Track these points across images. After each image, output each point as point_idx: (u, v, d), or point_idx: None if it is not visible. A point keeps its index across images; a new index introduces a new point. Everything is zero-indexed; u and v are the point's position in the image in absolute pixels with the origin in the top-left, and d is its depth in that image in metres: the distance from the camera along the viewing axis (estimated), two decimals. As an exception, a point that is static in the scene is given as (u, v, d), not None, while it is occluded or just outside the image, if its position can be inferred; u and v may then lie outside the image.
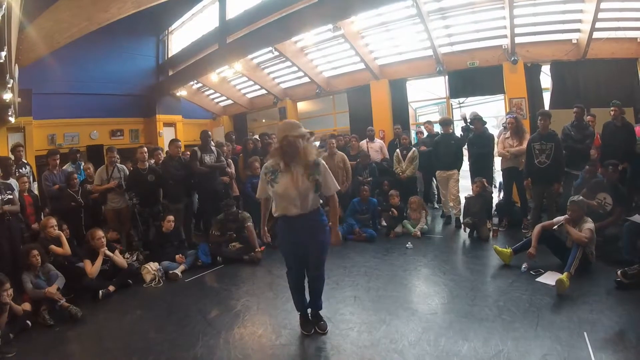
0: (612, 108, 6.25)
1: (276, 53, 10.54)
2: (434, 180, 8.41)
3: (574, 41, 8.27)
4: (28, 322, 4.14)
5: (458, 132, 8.05)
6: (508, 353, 3.00)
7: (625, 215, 5.03)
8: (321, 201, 3.42)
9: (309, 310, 3.67)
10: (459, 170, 7.27)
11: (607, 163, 5.62)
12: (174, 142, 7.01)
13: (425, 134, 8.99)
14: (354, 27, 9.31)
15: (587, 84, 8.27)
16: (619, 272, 4.08)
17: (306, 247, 3.36)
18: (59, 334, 4.06)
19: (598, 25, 7.52)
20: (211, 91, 14.75)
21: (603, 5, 7.12)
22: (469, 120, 7.58)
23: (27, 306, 4.25)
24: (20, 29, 6.63)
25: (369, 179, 7.61)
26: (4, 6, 4.07)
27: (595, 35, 7.74)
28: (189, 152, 7.23)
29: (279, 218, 3.39)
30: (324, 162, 3.30)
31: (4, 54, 5.15)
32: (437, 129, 8.59)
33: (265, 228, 3.80)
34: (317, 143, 8.13)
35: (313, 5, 7.83)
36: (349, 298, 4.30)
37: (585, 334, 3.20)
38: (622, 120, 6.26)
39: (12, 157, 6.71)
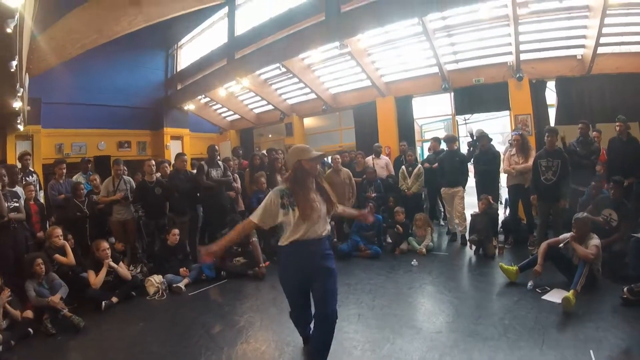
0: (617, 123, 6.25)
1: (284, 69, 10.66)
2: (440, 198, 8.40)
3: (579, 57, 8.30)
4: (30, 329, 4.14)
5: (464, 148, 8.05)
6: (513, 373, 2.96)
7: (632, 231, 4.99)
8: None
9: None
10: (464, 187, 7.25)
11: (612, 179, 5.60)
12: (180, 156, 7.05)
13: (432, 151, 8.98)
14: (360, 44, 9.41)
15: (592, 99, 8.27)
16: (625, 289, 4.04)
17: (315, 276, 3.05)
18: (60, 343, 4.05)
19: (602, 40, 7.56)
20: (219, 106, 14.88)
21: (607, 20, 7.15)
22: (475, 137, 7.58)
23: (29, 313, 4.25)
24: (31, 38, 6.73)
25: (374, 195, 7.60)
26: (16, 16, 4.15)
27: (600, 50, 7.77)
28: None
29: (290, 245, 3.02)
30: (346, 172, 3.32)
31: (15, 63, 5.23)
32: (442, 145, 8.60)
33: (215, 248, 3.11)
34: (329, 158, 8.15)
35: (320, 24, 7.93)
36: (353, 316, 4.26)
37: (591, 352, 3.15)
38: (628, 136, 6.25)
39: (19, 165, 6.76)
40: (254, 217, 3.04)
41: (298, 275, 3.08)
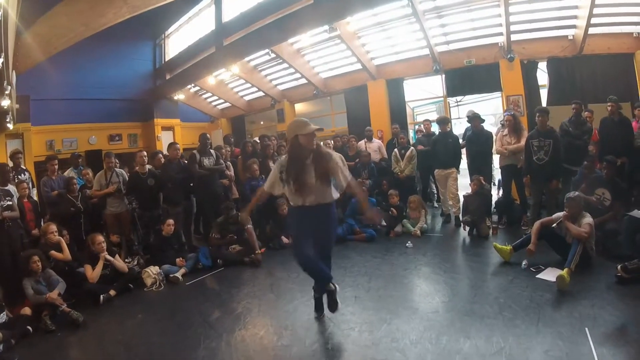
0: (609, 103, 6.27)
1: (273, 55, 10.60)
2: (432, 179, 8.44)
3: (570, 37, 8.28)
4: (29, 327, 4.13)
5: (459, 131, 8.06)
6: (510, 350, 3.00)
7: (625, 210, 5.04)
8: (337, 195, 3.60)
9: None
10: (457, 169, 7.28)
11: (604, 159, 5.64)
12: (172, 145, 7.03)
13: (424, 132, 9.00)
14: (349, 27, 9.32)
15: (584, 79, 8.28)
16: (619, 267, 4.07)
17: (318, 233, 3.55)
18: (60, 339, 4.05)
19: (594, 20, 7.53)
20: (209, 94, 14.77)
21: (598, 0, 7.12)
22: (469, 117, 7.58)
23: (27, 311, 4.24)
24: (17, 35, 6.63)
25: (367, 180, 7.61)
26: (0, 12, 4.07)
27: (591, 30, 7.74)
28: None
29: (297, 209, 3.53)
30: (337, 156, 3.48)
31: (1, 60, 5.15)
32: (435, 127, 8.62)
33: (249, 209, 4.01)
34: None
35: (309, 7, 7.83)
36: (350, 298, 4.29)
37: (586, 329, 3.19)
38: (620, 116, 6.28)
39: (11, 164, 6.70)
40: (265, 186, 3.67)
41: (304, 227, 3.51)
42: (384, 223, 7.15)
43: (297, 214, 3.57)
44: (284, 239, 6.66)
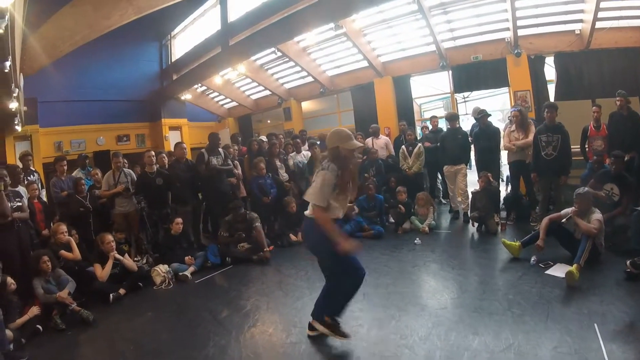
0: (617, 98, 6.20)
1: (279, 54, 10.62)
2: (439, 176, 8.42)
3: (577, 32, 8.19)
4: (39, 326, 4.17)
5: (467, 127, 8.03)
6: (519, 346, 3.00)
7: (634, 205, 4.99)
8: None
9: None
10: (466, 165, 7.25)
11: (612, 154, 5.59)
12: (179, 144, 7.06)
13: (430, 128, 8.97)
14: (355, 25, 9.33)
15: (592, 74, 8.21)
16: (628, 262, 4.05)
17: None
18: (70, 337, 4.09)
19: (600, 15, 7.45)
20: (215, 94, 14.82)
21: (605, -6, 7.06)
22: (477, 116, 7.54)
23: (36, 310, 4.27)
24: (23, 38, 6.68)
25: (373, 177, 7.61)
26: (6, 17, 4.11)
27: (598, 25, 7.66)
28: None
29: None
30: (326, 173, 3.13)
31: (8, 63, 5.19)
32: (441, 124, 8.59)
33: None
34: (319, 142, 8.12)
35: (314, 5, 7.82)
36: (358, 295, 4.21)
37: (595, 325, 3.18)
38: (628, 110, 6.21)
39: (21, 165, 6.76)
40: (315, 201, 3.10)
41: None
42: (392, 220, 7.14)
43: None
44: (292, 237, 6.68)
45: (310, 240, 3.38)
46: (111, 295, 4.91)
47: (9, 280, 4.18)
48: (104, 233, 5.44)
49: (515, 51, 8.50)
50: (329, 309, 3.41)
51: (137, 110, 14.04)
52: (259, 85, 13.31)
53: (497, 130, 7.25)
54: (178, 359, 3.42)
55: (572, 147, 5.99)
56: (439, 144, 7.74)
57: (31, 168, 7.02)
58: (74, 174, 7.33)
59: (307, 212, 3.28)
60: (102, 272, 5.07)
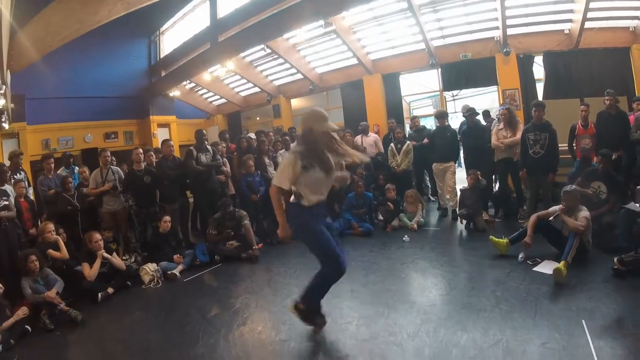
0: (607, 97, 6.27)
1: (268, 50, 10.58)
2: (426, 173, 8.47)
3: (566, 31, 8.28)
4: (28, 327, 4.12)
5: (455, 125, 8.07)
6: (507, 342, 3.02)
7: (621, 203, 5.05)
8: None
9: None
10: (455, 162, 7.29)
11: (599, 152, 5.65)
12: (166, 142, 6.99)
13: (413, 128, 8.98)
14: (345, 22, 9.32)
15: (580, 73, 8.29)
16: (615, 259, 4.08)
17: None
18: (59, 338, 4.06)
19: (590, 15, 7.52)
20: (204, 90, 14.70)
21: (594, -6, 7.13)
22: (465, 114, 7.58)
23: (24, 310, 4.22)
24: (11, 34, 6.58)
25: (364, 173, 7.61)
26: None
27: (587, 25, 7.74)
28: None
29: (310, 207, 3.21)
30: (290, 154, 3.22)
31: (-5, 60, 5.13)
32: (424, 122, 8.59)
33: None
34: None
35: (304, 2, 7.80)
36: (347, 292, 4.29)
37: (583, 322, 3.21)
38: (617, 109, 6.28)
39: (9, 164, 6.66)
40: (275, 181, 3.19)
41: (322, 226, 3.24)
42: (380, 217, 7.16)
43: (310, 215, 3.21)
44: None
45: (290, 226, 3.30)
46: (100, 294, 4.87)
47: None
48: (91, 231, 5.39)
49: (505, 50, 8.56)
50: (308, 294, 3.40)
51: (125, 107, 13.89)
52: (248, 82, 13.24)
53: (484, 128, 7.31)
54: (167, 358, 3.40)
55: (560, 145, 6.03)
56: (423, 142, 7.80)
57: (21, 167, 6.93)
58: (58, 172, 7.24)
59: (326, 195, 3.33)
60: (91, 271, 5.02)
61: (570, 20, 8.09)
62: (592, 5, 7.31)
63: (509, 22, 8.27)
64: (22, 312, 4.19)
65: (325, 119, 3.15)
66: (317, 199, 3.22)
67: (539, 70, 8.88)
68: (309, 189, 3.18)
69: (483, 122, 7.76)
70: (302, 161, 3.10)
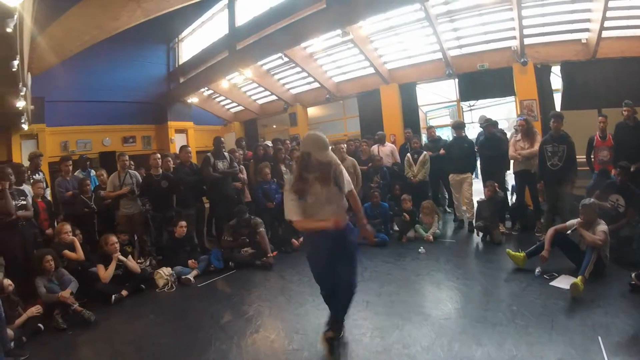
0: (625, 108, 6.17)
1: (286, 59, 10.63)
2: (442, 184, 8.41)
3: (584, 41, 8.17)
4: (40, 325, 4.19)
5: (472, 136, 8.01)
6: (522, 358, 2.97)
7: (639, 216, 4.95)
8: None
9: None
10: (472, 173, 7.22)
11: (617, 165, 5.56)
12: (184, 148, 7.07)
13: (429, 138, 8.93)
14: (362, 31, 9.34)
15: (598, 83, 8.15)
16: (633, 274, 4.01)
17: (337, 256, 3.21)
18: (71, 337, 4.11)
19: (607, 24, 7.41)
20: (222, 98, 14.85)
21: (611, 4, 7.00)
22: (483, 126, 7.51)
23: (38, 309, 4.28)
24: (32, 38, 6.73)
25: (380, 182, 7.58)
26: (15, 16, 4.15)
27: (605, 34, 7.63)
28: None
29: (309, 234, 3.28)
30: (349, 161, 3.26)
31: (16, 62, 5.25)
32: (440, 132, 8.53)
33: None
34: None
35: (321, 11, 7.86)
36: (362, 303, 4.25)
37: (599, 338, 3.15)
38: (635, 120, 6.17)
39: (29, 164, 6.78)
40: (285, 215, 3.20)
41: (324, 253, 3.18)
42: (396, 228, 7.13)
43: (310, 240, 3.36)
44: (295, 242, 6.67)
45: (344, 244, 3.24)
46: (113, 296, 4.93)
47: (7, 282, 4.18)
48: (108, 234, 5.46)
49: (522, 60, 8.47)
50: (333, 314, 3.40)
51: (143, 112, 14.11)
52: (265, 90, 13.33)
53: (501, 138, 7.24)
54: (179, 363, 3.41)
55: (577, 157, 5.95)
56: (440, 153, 7.76)
57: (40, 169, 7.04)
58: (75, 174, 7.33)
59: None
60: (105, 273, 5.08)
61: (587, 30, 7.98)
62: (609, 14, 7.20)
63: (526, 31, 8.19)
64: (36, 309, 4.26)
65: (324, 148, 3.03)
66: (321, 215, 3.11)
67: (556, 80, 8.78)
68: (309, 214, 3.12)
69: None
70: (294, 193, 3.08)
